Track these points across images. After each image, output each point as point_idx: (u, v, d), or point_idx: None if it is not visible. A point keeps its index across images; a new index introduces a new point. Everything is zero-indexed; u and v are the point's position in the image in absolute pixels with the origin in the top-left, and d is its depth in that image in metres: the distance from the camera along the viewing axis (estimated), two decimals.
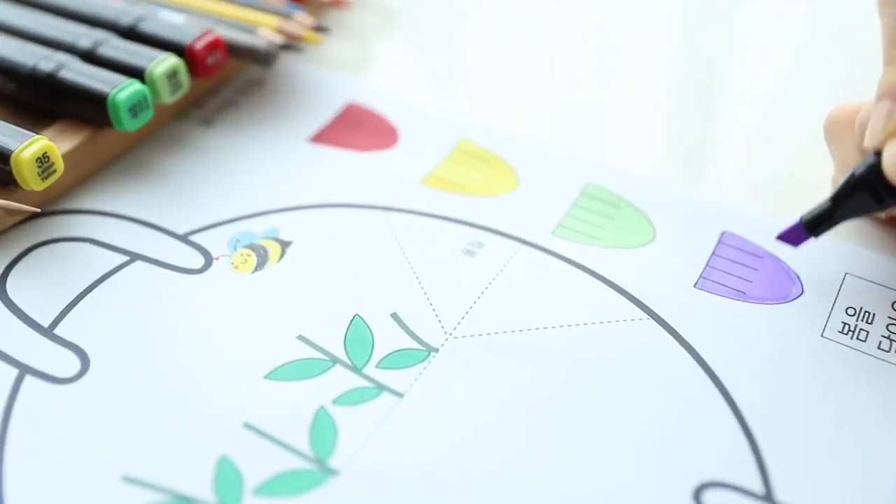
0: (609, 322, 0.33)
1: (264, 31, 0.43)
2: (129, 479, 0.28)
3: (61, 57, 0.38)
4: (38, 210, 0.36)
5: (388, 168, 0.40)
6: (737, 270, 0.35)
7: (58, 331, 0.33)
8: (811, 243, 0.34)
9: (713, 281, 0.35)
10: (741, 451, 0.30)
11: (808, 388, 0.31)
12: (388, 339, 0.33)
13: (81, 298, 0.34)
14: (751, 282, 0.35)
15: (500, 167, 0.40)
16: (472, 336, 0.33)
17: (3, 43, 0.39)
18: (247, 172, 0.40)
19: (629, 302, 0.34)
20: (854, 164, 0.35)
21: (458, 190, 0.39)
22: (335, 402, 0.31)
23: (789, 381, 0.32)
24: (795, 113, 0.44)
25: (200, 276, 0.35)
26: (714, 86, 0.47)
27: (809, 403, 0.31)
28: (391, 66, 0.49)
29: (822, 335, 0.33)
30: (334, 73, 0.46)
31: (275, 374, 0.32)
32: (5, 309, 0.33)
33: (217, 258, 0.36)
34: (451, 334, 0.33)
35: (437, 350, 0.32)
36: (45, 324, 0.33)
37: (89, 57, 0.39)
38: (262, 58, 0.42)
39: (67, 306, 0.34)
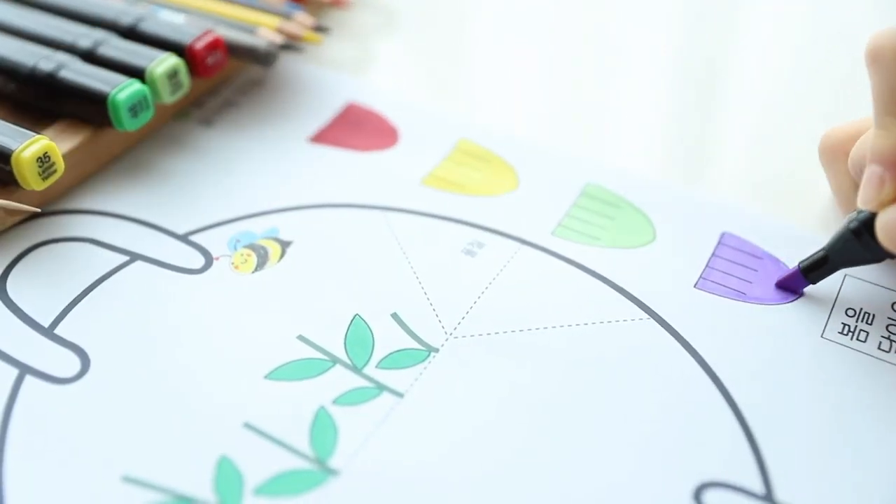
0: (609, 322, 0.33)
1: (264, 31, 0.43)
2: (129, 479, 0.28)
3: (61, 57, 0.38)
4: (39, 210, 0.36)
5: (388, 168, 0.40)
6: (737, 271, 0.35)
7: (58, 331, 0.33)
8: (811, 243, 0.34)
9: (713, 281, 0.35)
10: (741, 452, 0.30)
11: (809, 388, 0.31)
12: (388, 339, 0.33)
13: (82, 298, 0.34)
14: (751, 282, 0.35)
15: (500, 167, 0.40)
16: (472, 336, 0.33)
17: (3, 43, 0.39)
18: (247, 172, 0.40)
19: (629, 302, 0.34)
20: (848, 190, 0.35)
21: (458, 190, 0.39)
22: (335, 402, 0.31)
23: (789, 382, 0.32)
24: (795, 113, 0.45)
25: (200, 276, 0.35)
26: (714, 86, 0.47)
27: (810, 404, 0.31)
28: (391, 66, 0.49)
29: (822, 336, 0.33)
30: (334, 73, 0.46)
31: (275, 374, 0.32)
32: (5, 309, 0.33)
33: (217, 258, 0.36)
34: (451, 334, 0.33)
35: (437, 350, 0.32)
36: (46, 324, 0.33)
37: (89, 57, 0.39)
38: (262, 58, 0.42)
39: (68, 306, 0.34)
